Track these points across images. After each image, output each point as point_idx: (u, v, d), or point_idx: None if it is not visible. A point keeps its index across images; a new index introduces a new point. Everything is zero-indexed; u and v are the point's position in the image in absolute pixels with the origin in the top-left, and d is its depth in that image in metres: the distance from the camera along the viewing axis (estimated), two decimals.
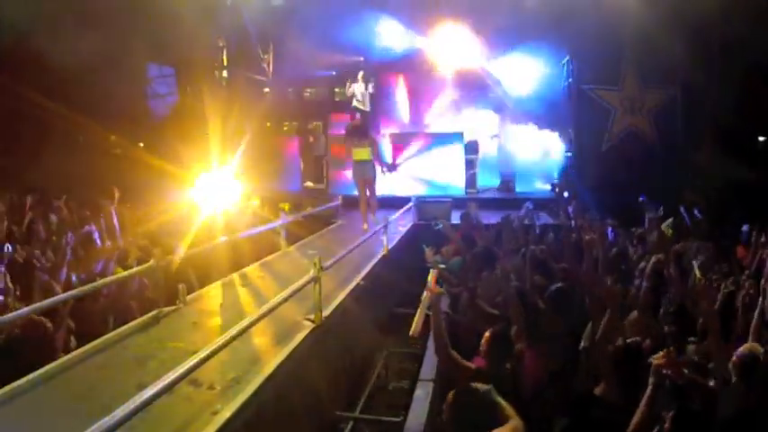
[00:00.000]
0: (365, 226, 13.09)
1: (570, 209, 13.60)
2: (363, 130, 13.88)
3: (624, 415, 4.16)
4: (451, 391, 4.31)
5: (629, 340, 5.00)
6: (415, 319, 6.41)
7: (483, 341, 5.37)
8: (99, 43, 14.83)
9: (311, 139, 20.53)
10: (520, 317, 5.77)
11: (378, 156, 13.81)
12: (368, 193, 13.56)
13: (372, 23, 19.23)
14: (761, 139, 17.95)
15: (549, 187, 18.47)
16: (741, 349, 4.70)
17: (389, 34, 19.71)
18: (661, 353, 4.00)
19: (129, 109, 18.40)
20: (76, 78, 15.33)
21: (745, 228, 8.86)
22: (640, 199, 11.01)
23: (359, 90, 18.14)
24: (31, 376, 5.11)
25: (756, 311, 5.36)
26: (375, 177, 13.72)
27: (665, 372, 3.93)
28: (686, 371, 4.10)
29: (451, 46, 19.47)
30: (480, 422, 3.93)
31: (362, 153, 13.42)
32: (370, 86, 18.65)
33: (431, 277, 7.35)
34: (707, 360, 5.07)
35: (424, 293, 5.99)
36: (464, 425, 3.91)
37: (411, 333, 7.53)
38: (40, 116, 16.50)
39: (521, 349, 5.63)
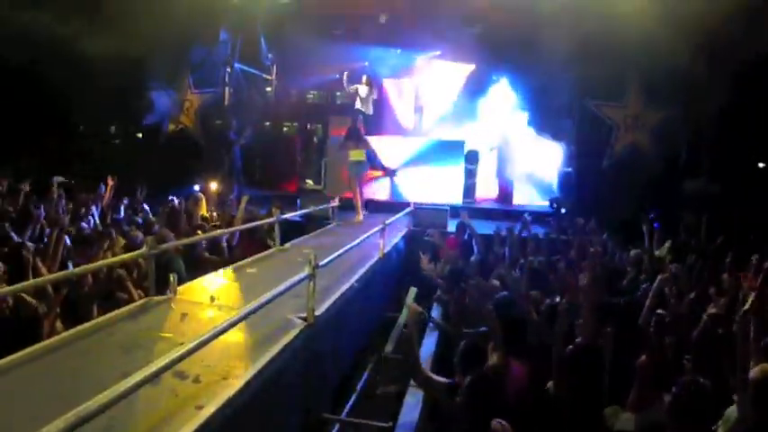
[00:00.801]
0: (360, 218, 14.54)
1: (566, 224, 13.57)
2: (360, 134, 15.03)
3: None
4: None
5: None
6: (391, 336, 6.33)
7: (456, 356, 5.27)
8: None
9: (314, 140, 20.57)
10: (497, 329, 5.67)
11: (373, 158, 15.10)
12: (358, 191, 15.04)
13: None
14: (760, 165, 17.82)
15: (547, 202, 18.28)
16: (753, 373, 4.60)
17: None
18: None
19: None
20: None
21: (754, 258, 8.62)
22: (650, 216, 10.82)
23: (363, 92, 18.17)
24: (12, 357, 4.99)
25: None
26: (365, 177, 15.37)
27: None
28: None
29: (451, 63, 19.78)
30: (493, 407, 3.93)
31: (359, 154, 14.80)
32: (374, 91, 18.68)
33: (411, 295, 7.26)
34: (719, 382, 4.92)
35: (403, 311, 5.91)
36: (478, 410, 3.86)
37: (384, 353, 7.47)
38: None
39: (504, 362, 5.53)
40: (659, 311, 5.87)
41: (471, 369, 5.12)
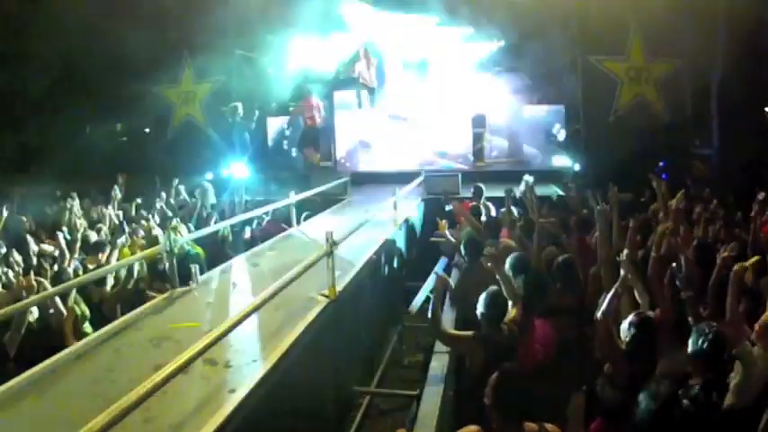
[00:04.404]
0: None
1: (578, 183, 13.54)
2: None
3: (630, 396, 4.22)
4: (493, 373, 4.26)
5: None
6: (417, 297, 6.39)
7: (479, 305, 5.39)
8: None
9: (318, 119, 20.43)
10: (512, 284, 5.79)
11: None
12: None
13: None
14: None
15: (558, 160, 18.12)
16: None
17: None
18: None
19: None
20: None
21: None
22: (660, 164, 10.68)
23: (361, 67, 18.26)
24: (46, 362, 5.11)
25: None
26: None
27: None
28: None
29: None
30: (523, 406, 3.98)
31: None
32: (374, 62, 18.69)
33: (440, 265, 7.33)
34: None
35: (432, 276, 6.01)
36: (508, 408, 3.93)
37: (409, 308, 7.60)
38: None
39: (529, 320, 5.62)
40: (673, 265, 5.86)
41: (494, 317, 5.32)
